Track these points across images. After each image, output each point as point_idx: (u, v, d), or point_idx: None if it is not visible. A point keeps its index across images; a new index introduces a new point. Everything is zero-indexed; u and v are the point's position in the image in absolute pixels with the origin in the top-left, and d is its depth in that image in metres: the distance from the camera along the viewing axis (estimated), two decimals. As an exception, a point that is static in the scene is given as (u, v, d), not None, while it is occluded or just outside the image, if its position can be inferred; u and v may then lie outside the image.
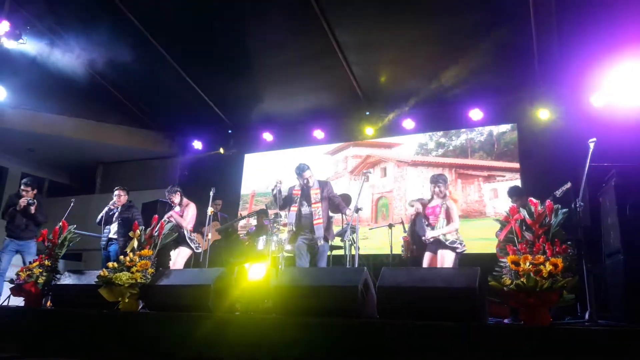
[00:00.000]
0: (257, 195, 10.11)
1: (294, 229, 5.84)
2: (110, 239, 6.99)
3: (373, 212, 8.95)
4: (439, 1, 6.83)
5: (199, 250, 6.50)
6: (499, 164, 8.15)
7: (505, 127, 8.35)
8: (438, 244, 5.23)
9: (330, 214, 6.23)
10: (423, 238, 5.39)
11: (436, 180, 5.43)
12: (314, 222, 5.79)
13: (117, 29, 7.81)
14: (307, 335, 3.56)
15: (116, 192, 7.10)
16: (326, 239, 5.83)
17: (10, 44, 7.54)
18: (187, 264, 6.61)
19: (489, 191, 8.05)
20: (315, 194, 5.88)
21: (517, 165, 8.02)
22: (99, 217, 7.11)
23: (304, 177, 5.95)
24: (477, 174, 8.22)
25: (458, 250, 5.14)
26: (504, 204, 6.88)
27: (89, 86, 9.13)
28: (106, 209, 7.08)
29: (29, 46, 7.83)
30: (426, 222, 5.41)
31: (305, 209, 5.89)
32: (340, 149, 9.60)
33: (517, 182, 7.77)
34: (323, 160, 9.56)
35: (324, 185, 6.02)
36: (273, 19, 7.41)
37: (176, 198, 6.58)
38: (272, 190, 5.98)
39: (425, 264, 5.34)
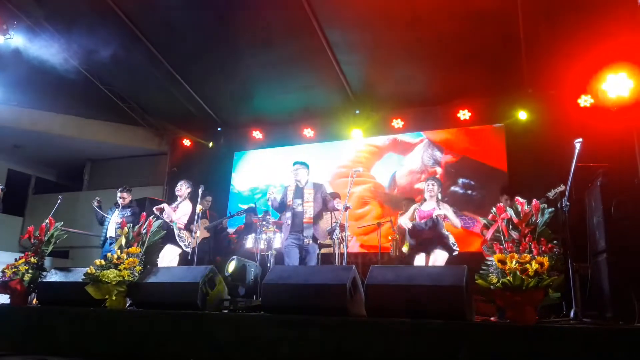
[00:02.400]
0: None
1: (289, 223, 5.81)
2: (107, 238, 6.97)
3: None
4: (429, 2, 6.86)
5: (189, 249, 6.42)
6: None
7: (474, 136, 8.53)
8: (435, 244, 5.34)
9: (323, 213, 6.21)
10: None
11: (430, 180, 5.70)
12: (304, 221, 5.76)
13: (105, 25, 7.75)
14: (296, 333, 3.57)
15: (119, 195, 7.13)
16: (315, 239, 5.76)
17: (-2, 39, 7.47)
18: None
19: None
20: (308, 193, 5.86)
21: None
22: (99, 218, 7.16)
23: (299, 175, 5.94)
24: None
25: (454, 254, 5.32)
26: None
27: (77, 82, 9.06)
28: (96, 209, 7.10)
29: (16, 41, 7.75)
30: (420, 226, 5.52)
31: (298, 207, 5.83)
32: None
33: None
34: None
35: (318, 187, 5.98)
36: (264, 17, 7.40)
37: (182, 191, 6.53)
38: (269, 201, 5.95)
39: (419, 263, 5.42)
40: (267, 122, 9.85)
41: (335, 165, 9.46)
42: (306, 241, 5.69)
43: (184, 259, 6.63)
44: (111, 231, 7.00)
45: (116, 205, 7.15)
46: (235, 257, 6.30)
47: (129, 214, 6.93)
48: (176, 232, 6.26)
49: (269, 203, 5.99)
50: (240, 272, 6.09)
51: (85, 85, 9.24)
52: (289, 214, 5.81)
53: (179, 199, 6.51)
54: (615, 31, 6.24)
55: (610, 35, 6.28)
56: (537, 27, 6.77)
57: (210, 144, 10.31)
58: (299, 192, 5.88)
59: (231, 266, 6.14)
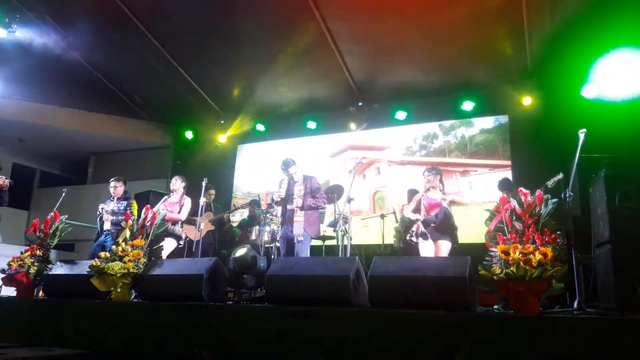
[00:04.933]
0: (271, 194, 10.02)
1: (279, 225, 5.88)
2: (104, 230, 6.96)
3: (371, 204, 9.25)
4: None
5: (182, 243, 6.48)
6: (472, 161, 8.66)
7: (474, 131, 8.68)
8: (442, 234, 5.40)
9: (320, 206, 6.16)
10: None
11: (428, 170, 5.76)
12: (294, 218, 5.76)
13: (108, 18, 7.74)
14: (299, 325, 3.58)
15: (112, 184, 7.07)
16: (310, 235, 5.77)
17: (1, 33, 7.47)
18: (175, 255, 6.58)
19: (466, 183, 8.63)
20: (299, 190, 5.85)
21: (487, 161, 8.44)
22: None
23: (289, 173, 5.93)
24: (455, 169, 8.78)
25: (455, 245, 5.42)
26: (479, 195, 8.23)
27: (81, 76, 9.07)
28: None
29: (20, 35, 7.76)
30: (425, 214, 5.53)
31: (290, 205, 5.86)
32: (339, 152, 9.74)
33: (489, 176, 8.21)
34: (324, 160, 9.66)
35: (308, 180, 5.95)
36: (265, 8, 7.36)
37: (176, 185, 6.61)
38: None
39: (427, 252, 5.44)
40: (270, 114, 9.83)
41: (338, 157, 9.45)
42: (299, 238, 5.67)
43: (179, 253, 6.67)
44: (106, 224, 6.97)
45: (111, 198, 7.12)
46: (248, 245, 6.34)
47: (123, 207, 6.89)
48: (171, 227, 6.29)
49: (274, 197, 6.01)
50: (252, 262, 6.09)
51: (88, 78, 9.25)
52: (280, 208, 5.87)
53: (173, 194, 6.60)
54: (621, 19, 6.19)
55: (617, 23, 6.24)
56: (541, 16, 6.72)
57: (220, 138, 10.24)
58: (291, 188, 5.90)
59: (240, 251, 6.13)
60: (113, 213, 6.79)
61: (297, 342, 3.54)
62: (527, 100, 7.79)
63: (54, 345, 4.33)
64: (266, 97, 9.47)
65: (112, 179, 7.14)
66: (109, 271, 4.53)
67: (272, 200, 6.12)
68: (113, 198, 6.99)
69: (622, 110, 6.56)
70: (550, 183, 5.50)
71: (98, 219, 6.98)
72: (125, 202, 6.94)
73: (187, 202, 6.69)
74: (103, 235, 6.84)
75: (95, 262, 4.67)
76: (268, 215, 7.15)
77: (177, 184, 6.70)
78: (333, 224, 6.62)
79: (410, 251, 6.00)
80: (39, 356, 3.85)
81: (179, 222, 6.53)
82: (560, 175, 5.47)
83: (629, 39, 6.33)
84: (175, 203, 6.63)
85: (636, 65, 6.39)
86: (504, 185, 6.24)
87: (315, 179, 6.05)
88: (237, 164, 10.46)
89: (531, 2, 6.53)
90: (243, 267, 6.13)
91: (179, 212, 6.58)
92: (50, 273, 5.35)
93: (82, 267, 5.01)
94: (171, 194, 6.78)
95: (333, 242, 6.96)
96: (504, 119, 8.41)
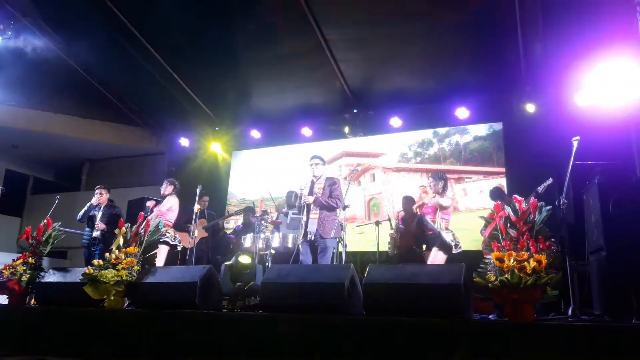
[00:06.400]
0: (265, 201, 9.99)
1: (302, 227, 5.68)
2: (94, 238, 6.91)
3: (366, 211, 9.26)
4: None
5: (179, 247, 6.43)
6: (466, 167, 8.72)
7: (468, 138, 8.75)
8: (436, 241, 5.31)
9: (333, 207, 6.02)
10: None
11: (434, 176, 5.66)
12: (310, 216, 5.59)
13: (103, 24, 7.74)
14: (294, 332, 3.56)
15: (97, 191, 7.04)
16: (322, 235, 5.49)
17: (-5, 39, 7.46)
18: (170, 262, 6.53)
19: (460, 190, 8.68)
20: (318, 188, 5.68)
21: (481, 168, 8.52)
22: (80, 214, 7.05)
23: (312, 163, 5.78)
24: (449, 176, 8.73)
25: (454, 252, 5.27)
26: (473, 201, 8.34)
27: (75, 82, 9.06)
28: (86, 207, 7.02)
29: (14, 41, 7.74)
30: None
31: (309, 204, 5.66)
32: (335, 159, 9.78)
33: (483, 183, 8.30)
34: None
35: (330, 181, 5.77)
36: (261, 15, 7.38)
37: (167, 190, 6.58)
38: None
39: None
40: (265, 121, 9.83)
41: (333, 164, 9.48)
42: (309, 237, 5.52)
43: (174, 256, 6.60)
44: (95, 232, 6.90)
45: (97, 206, 7.07)
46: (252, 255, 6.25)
47: (112, 215, 6.85)
48: (162, 229, 6.22)
49: (297, 203, 5.87)
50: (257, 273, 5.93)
51: (83, 85, 9.24)
52: (303, 212, 5.70)
53: (164, 200, 6.58)
54: (613, 26, 6.24)
55: (609, 31, 6.28)
56: (535, 24, 6.77)
57: (214, 146, 10.21)
58: (311, 188, 5.76)
59: (244, 259, 5.99)
60: (102, 219, 6.77)
61: (291, 349, 3.51)
62: (530, 108, 7.75)
63: (46, 354, 4.29)
64: (261, 103, 9.49)
65: (97, 187, 7.13)
66: (102, 279, 4.49)
67: (297, 201, 5.89)
68: (100, 206, 6.96)
69: (615, 118, 6.60)
70: (540, 189, 5.53)
71: (85, 211, 6.93)
72: (113, 210, 6.93)
73: (169, 199, 6.56)
74: (93, 245, 6.81)
75: (89, 269, 4.64)
76: (262, 222, 7.12)
77: (169, 189, 6.63)
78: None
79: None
80: (30, 365, 3.81)
81: (168, 226, 6.43)
82: (550, 180, 5.49)
83: (623, 47, 6.37)
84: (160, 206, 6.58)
85: (629, 74, 6.43)
86: (495, 194, 6.23)
87: (338, 181, 5.82)
88: (232, 170, 10.45)
89: (525, 9, 6.57)
90: (244, 275, 5.98)
91: (167, 213, 6.49)
92: (42, 281, 5.29)
93: (75, 275, 4.97)
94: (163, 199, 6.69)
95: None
96: (498, 126, 8.49)
